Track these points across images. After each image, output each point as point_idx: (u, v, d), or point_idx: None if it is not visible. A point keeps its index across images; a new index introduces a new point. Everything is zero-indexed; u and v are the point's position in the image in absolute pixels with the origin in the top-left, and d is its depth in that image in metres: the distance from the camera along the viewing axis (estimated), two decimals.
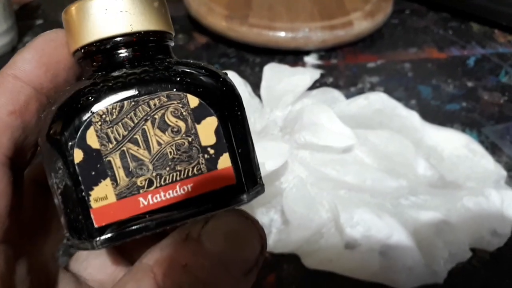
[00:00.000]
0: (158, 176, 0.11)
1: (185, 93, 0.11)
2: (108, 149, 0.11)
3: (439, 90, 0.37)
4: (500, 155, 0.30)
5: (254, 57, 0.42)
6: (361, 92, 0.37)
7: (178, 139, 0.11)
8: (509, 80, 0.37)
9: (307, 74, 0.27)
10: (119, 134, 0.11)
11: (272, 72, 0.27)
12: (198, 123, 0.11)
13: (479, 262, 0.25)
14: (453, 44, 0.42)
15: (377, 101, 0.27)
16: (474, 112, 0.34)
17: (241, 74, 0.29)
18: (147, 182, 0.11)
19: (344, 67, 0.40)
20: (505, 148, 0.31)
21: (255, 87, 0.29)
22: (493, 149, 0.30)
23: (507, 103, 0.35)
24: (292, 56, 0.42)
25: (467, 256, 0.24)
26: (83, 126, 0.11)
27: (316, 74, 0.27)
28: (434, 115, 0.33)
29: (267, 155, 0.23)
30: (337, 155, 0.25)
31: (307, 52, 0.42)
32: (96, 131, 0.11)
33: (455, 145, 0.27)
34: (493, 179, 0.27)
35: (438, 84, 0.37)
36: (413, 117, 0.27)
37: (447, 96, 0.36)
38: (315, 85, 0.29)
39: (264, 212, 0.25)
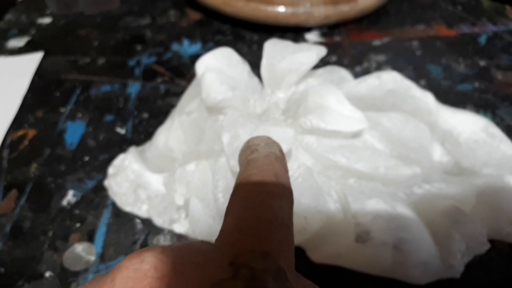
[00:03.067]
0: None
1: None
2: None
3: (450, 69, 0.35)
4: None
5: (251, 34, 0.40)
6: (367, 71, 0.35)
7: None
8: None
9: (313, 51, 0.24)
10: None
11: (274, 49, 0.25)
12: None
13: (498, 254, 0.23)
14: (462, 20, 0.40)
15: (389, 81, 0.25)
16: (488, 93, 0.32)
17: (238, 52, 0.27)
18: None
19: (348, 45, 0.38)
20: None
21: (253, 66, 0.27)
22: (509, 132, 0.28)
23: None
24: (292, 33, 0.39)
25: (485, 248, 0.22)
26: None
27: (322, 51, 0.25)
28: (446, 96, 0.31)
29: None
30: (347, 141, 0.23)
31: (309, 29, 0.39)
32: None
33: (473, 129, 0.25)
34: (511, 165, 0.25)
35: (449, 63, 0.35)
36: (428, 98, 0.25)
37: (458, 76, 0.34)
38: (317, 65, 0.26)
39: None
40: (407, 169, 0.22)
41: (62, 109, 0.34)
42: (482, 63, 0.35)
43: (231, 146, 0.21)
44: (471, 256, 0.22)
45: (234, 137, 0.21)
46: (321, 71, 0.26)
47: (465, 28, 0.39)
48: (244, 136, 0.21)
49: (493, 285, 0.23)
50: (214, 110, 0.23)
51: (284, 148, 0.20)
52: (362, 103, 0.24)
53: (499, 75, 0.34)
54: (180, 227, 0.24)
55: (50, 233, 0.26)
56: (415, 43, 0.38)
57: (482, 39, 0.38)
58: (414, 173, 0.23)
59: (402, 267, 0.21)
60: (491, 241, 0.23)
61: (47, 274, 0.24)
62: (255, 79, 0.26)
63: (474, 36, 0.38)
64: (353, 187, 0.22)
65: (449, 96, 0.32)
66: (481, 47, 0.37)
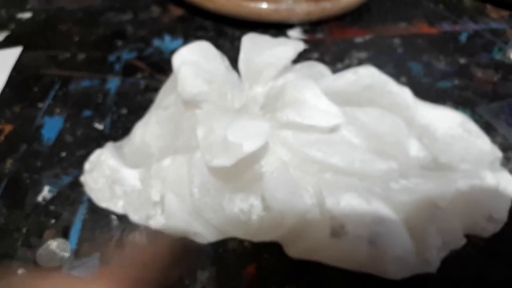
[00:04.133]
0: None
1: None
2: None
3: (431, 67, 0.35)
4: (495, 135, 0.29)
5: (234, 30, 0.39)
6: (348, 68, 0.35)
7: None
8: (503, 57, 0.35)
9: (291, 45, 0.24)
10: None
11: (252, 43, 0.25)
12: None
13: (473, 249, 0.23)
14: (444, 19, 0.40)
15: (366, 76, 0.25)
16: (467, 90, 0.33)
17: (220, 49, 0.26)
18: None
19: (330, 42, 0.38)
20: (500, 128, 0.29)
21: (235, 61, 0.27)
22: (487, 128, 0.28)
23: (501, 81, 0.33)
24: (274, 29, 0.39)
25: (461, 243, 0.23)
26: None
27: (300, 45, 0.24)
28: (426, 93, 0.31)
29: (245, 135, 0.20)
30: (323, 135, 0.22)
31: (291, 26, 0.39)
32: None
33: (450, 124, 0.25)
34: (488, 161, 0.25)
35: (430, 61, 0.35)
36: (405, 93, 0.25)
37: (439, 73, 0.34)
38: (298, 61, 0.26)
39: (243, 198, 0.22)
40: (383, 164, 0.22)
41: (40, 105, 0.33)
42: (462, 60, 0.35)
43: (206, 140, 0.21)
44: (447, 251, 0.22)
45: (209, 131, 0.21)
46: (299, 66, 0.26)
47: (446, 26, 0.39)
48: (219, 130, 0.21)
49: (469, 280, 0.23)
50: (190, 104, 0.23)
51: (259, 142, 0.20)
52: (340, 98, 0.24)
53: (478, 73, 0.34)
54: (156, 223, 0.24)
55: (24, 230, 0.25)
56: (396, 41, 0.38)
57: (463, 37, 0.38)
58: (390, 168, 0.23)
59: (377, 262, 0.21)
60: (467, 236, 0.23)
61: (20, 271, 0.23)
62: (234, 74, 0.26)
63: (455, 34, 0.38)
64: (329, 181, 0.22)
65: (429, 93, 0.32)
66: (462, 45, 0.37)
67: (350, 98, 0.25)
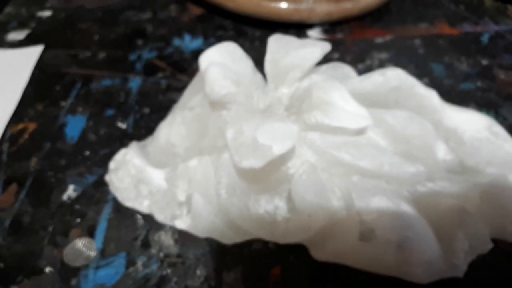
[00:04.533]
0: None
1: None
2: None
3: (452, 68, 0.35)
4: None
5: (254, 30, 0.39)
6: (369, 69, 0.35)
7: None
8: None
9: (318, 46, 0.24)
10: None
11: (278, 44, 0.25)
12: None
13: (501, 254, 0.23)
14: (465, 19, 0.40)
15: (394, 78, 0.24)
16: (490, 92, 0.32)
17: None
18: None
19: (350, 42, 0.38)
20: None
21: (256, 62, 0.27)
22: (511, 131, 0.28)
23: None
24: (294, 29, 0.39)
25: (488, 248, 0.22)
26: None
27: (326, 47, 0.24)
28: (448, 95, 0.31)
29: (275, 137, 0.20)
30: (350, 138, 0.22)
31: (311, 26, 0.39)
32: None
33: (477, 127, 0.25)
34: None
35: (451, 62, 0.35)
36: (432, 96, 0.25)
37: (461, 75, 0.34)
38: (320, 62, 0.26)
39: (268, 199, 0.22)
40: (411, 167, 0.22)
41: (63, 103, 0.34)
42: (485, 62, 0.35)
43: (235, 141, 0.21)
44: (474, 255, 0.22)
45: (238, 132, 0.21)
46: (325, 67, 0.26)
47: (467, 27, 0.39)
48: (248, 131, 0.21)
49: (496, 284, 0.23)
50: (217, 105, 0.23)
51: (288, 145, 0.20)
52: (366, 100, 0.24)
53: (501, 74, 0.34)
54: (181, 223, 0.24)
55: (50, 228, 0.25)
56: (417, 41, 0.37)
57: (485, 38, 0.38)
58: (418, 171, 0.23)
59: (405, 266, 0.21)
60: (494, 240, 0.23)
61: (47, 269, 0.24)
62: (259, 75, 0.26)
63: (476, 35, 0.38)
64: (357, 184, 0.22)
65: (451, 95, 0.32)
66: (484, 46, 0.37)
67: (377, 100, 0.24)
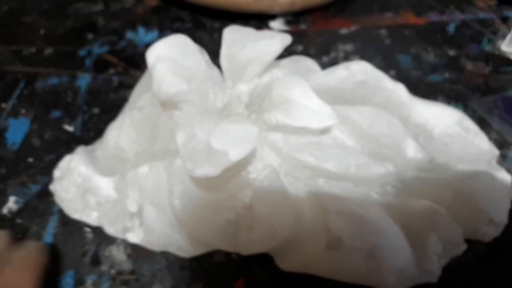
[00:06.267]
0: None
1: None
2: None
3: (419, 59, 0.33)
4: (489, 131, 0.27)
5: (212, 21, 0.37)
6: (334, 62, 0.33)
7: None
8: (493, 48, 0.34)
9: (277, 38, 0.22)
10: None
11: (234, 36, 0.23)
12: None
13: (475, 255, 0.22)
14: (431, 8, 0.39)
15: (359, 71, 0.23)
16: (459, 84, 0.31)
17: (198, 41, 0.24)
18: None
19: (314, 34, 0.36)
20: (494, 123, 0.28)
21: (215, 55, 0.25)
22: (481, 124, 0.27)
23: (492, 73, 0.32)
24: (255, 21, 0.37)
25: (462, 250, 0.21)
26: None
27: (287, 39, 0.22)
28: (416, 87, 0.30)
29: (231, 141, 0.18)
30: (315, 138, 0.21)
31: (273, 17, 0.37)
32: None
33: (447, 122, 0.23)
34: (486, 160, 0.24)
35: (418, 53, 0.34)
36: (400, 90, 0.23)
37: (428, 66, 0.33)
38: (282, 55, 0.24)
39: (229, 207, 0.20)
40: (379, 167, 0.21)
41: (3, 105, 0.31)
42: (452, 52, 0.34)
43: (187, 146, 0.19)
44: (448, 258, 0.21)
45: (190, 136, 0.19)
46: (286, 61, 0.24)
47: (433, 16, 0.38)
48: (202, 135, 0.19)
49: (471, 287, 0.21)
50: (168, 105, 0.21)
51: (246, 149, 0.18)
52: (331, 96, 0.22)
53: (469, 65, 0.33)
54: (134, 237, 0.22)
55: None
56: (383, 32, 0.36)
57: (451, 28, 0.37)
58: (387, 171, 0.21)
59: (376, 274, 0.19)
60: (467, 241, 0.22)
61: None
62: (215, 70, 0.24)
63: (442, 25, 0.37)
64: (323, 188, 0.20)
65: (419, 87, 0.31)
66: (450, 36, 0.36)
67: (342, 96, 0.23)
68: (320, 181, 0.21)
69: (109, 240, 0.23)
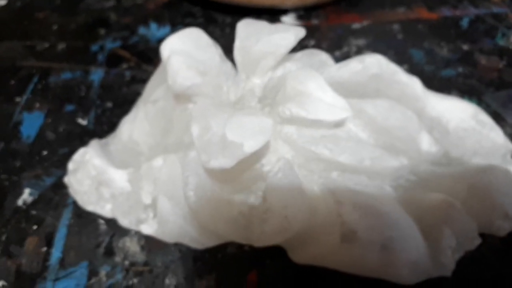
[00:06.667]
0: None
1: None
2: None
3: (433, 54, 0.33)
4: (503, 125, 0.27)
5: (224, 16, 0.37)
6: (347, 56, 0.33)
7: None
8: (507, 43, 0.34)
9: (291, 32, 0.22)
10: None
11: (248, 30, 0.23)
12: None
13: (489, 249, 0.22)
14: (443, 3, 0.38)
15: (373, 64, 0.23)
16: (472, 78, 0.31)
17: (210, 36, 0.24)
18: None
19: (326, 29, 0.36)
20: (508, 118, 0.28)
21: (226, 50, 0.25)
22: (496, 118, 0.27)
23: (506, 68, 0.32)
24: (267, 15, 0.37)
25: (476, 244, 0.21)
26: None
27: (301, 32, 0.22)
28: (429, 82, 0.30)
29: (246, 133, 0.18)
30: (329, 131, 0.21)
31: (285, 11, 0.37)
32: None
33: (462, 116, 0.23)
34: (501, 154, 0.24)
35: (431, 48, 0.34)
36: (415, 83, 0.23)
37: (441, 61, 0.32)
38: (295, 49, 0.24)
39: (242, 200, 0.21)
40: (393, 161, 0.21)
41: (18, 99, 0.31)
42: (465, 47, 0.34)
43: (201, 138, 0.19)
44: (462, 252, 0.21)
45: (205, 129, 0.19)
46: (299, 54, 0.24)
47: (446, 11, 0.38)
48: (217, 127, 0.19)
49: (485, 281, 0.21)
50: (182, 98, 0.21)
51: (261, 141, 0.18)
52: (344, 89, 0.22)
53: (482, 60, 0.33)
54: (148, 228, 0.22)
55: (4, 237, 0.23)
56: (396, 27, 0.36)
57: (464, 23, 0.36)
58: (401, 164, 0.21)
59: (390, 267, 0.19)
60: (482, 235, 0.21)
61: (0, 283, 0.21)
62: (229, 64, 0.24)
63: (455, 19, 0.37)
64: (337, 181, 0.20)
65: (433, 82, 0.30)
66: (464, 31, 0.35)
67: (356, 89, 0.23)
68: (334, 174, 0.20)
69: (123, 231, 0.23)
